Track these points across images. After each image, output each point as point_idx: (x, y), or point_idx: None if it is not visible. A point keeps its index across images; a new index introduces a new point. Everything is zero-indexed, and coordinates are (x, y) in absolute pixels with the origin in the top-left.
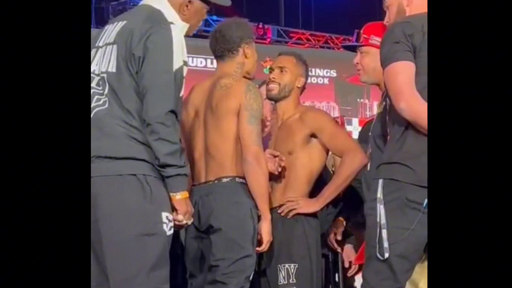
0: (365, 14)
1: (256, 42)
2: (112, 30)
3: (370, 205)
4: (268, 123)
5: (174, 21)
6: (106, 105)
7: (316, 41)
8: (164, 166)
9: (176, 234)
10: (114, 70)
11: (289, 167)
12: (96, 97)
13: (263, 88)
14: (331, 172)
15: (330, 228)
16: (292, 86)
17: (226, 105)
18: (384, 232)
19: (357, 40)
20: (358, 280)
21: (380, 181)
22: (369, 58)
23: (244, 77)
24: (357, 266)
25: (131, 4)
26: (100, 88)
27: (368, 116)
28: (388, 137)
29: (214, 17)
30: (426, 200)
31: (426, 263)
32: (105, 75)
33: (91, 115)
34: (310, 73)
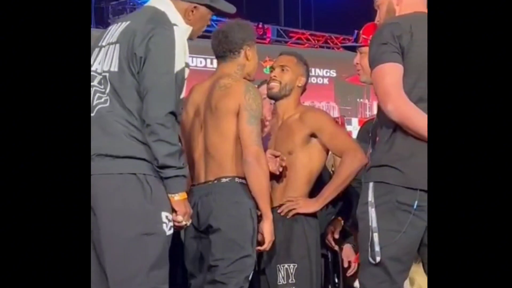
0: (365, 14)
1: (255, 42)
2: (115, 30)
3: (362, 209)
4: (267, 123)
5: (178, 23)
6: (108, 104)
7: (316, 41)
8: (163, 167)
9: (176, 234)
10: (116, 70)
11: (289, 167)
12: (98, 95)
13: (263, 87)
14: (331, 172)
15: (328, 227)
16: (293, 85)
17: (226, 105)
18: (376, 236)
19: (357, 40)
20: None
21: (371, 184)
22: None
23: (245, 78)
24: (356, 266)
25: (131, 4)
26: (102, 87)
27: (368, 116)
28: (377, 139)
29: (214, 17)
30: (416, 202)
31: (421, 263)
32: (107, 74)
33: (93, 113)
34: (309, 73)
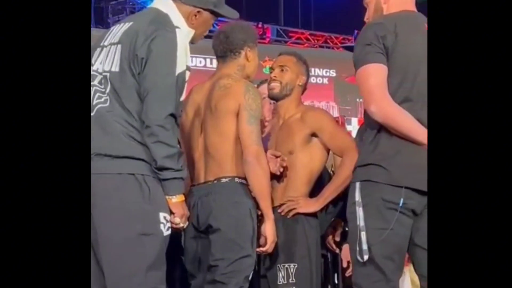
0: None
1: (257, 44)
2: (118, 30)
3: (350, 209)
4: (266, 124)
5: (180, 25)
6: (108, 104)
7: (316, 41)
8: (161, 169)
9: (175, 235)
10: (117, 70)
11: (290, 166)
12: (98, 94)
13: (263, 87)
14: (331, 172)
15: (329, 229)
16: (293, 85)
17: (226, 106)
18: (363, 235)
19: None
20: None
21: (357, 184)
22: None
23: (244, 79)
24: None
25: (130, 3)
26: (102, 86)
27: None
28: (363, 139)
29: None
30: (402, 200)
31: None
32: (108, 74)
33: (93, 113)
34: (309, 73)
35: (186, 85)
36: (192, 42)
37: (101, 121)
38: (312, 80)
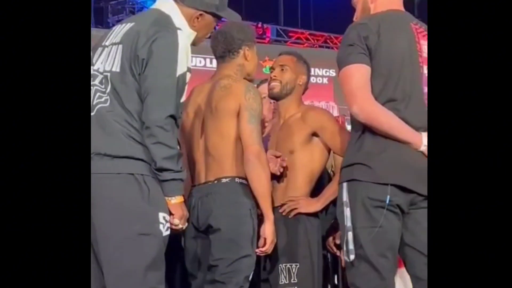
0: None
1: (255, 43)
2: (119, 30)
3: (339, 210)
4: (267, 123)
5: (182, 27)
6: (108, 103)
7: (315, 41)
8: (161, 170)
9: (175, 235)
10: (118, 70)
11: (290, 166)
12: (98, 94)
13: (263, 87)
14: (331, 172)
15: (329, 230)
16: (294, 84)
17: (226, 106)
18: (350, 235)
19: None
20: None
21: (344, 184)
22: None
23: (244, 79)
24: None
25: (130, 3)
26: (103, 86)
27: None
28: (348, 141)
29: None
30: (388, 197)
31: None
32: (108, 74)
33: (94, 112)
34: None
35: (187, 86)
36: (193, 44)
37: (101, 121)
38: (312, 80)
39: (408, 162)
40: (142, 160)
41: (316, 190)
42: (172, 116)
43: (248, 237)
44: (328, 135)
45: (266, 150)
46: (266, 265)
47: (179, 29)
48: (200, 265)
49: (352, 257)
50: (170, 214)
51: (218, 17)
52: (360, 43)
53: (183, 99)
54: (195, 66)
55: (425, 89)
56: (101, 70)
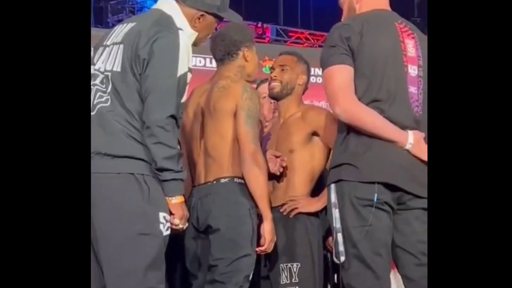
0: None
1: (254, 43)
2: (121, 30)
3: (329, 212)
4: (267, 123)
5: (183, 27)
6: (109, 103)
7: (315, 41)
8: (161, 170)
9: (176, 234)
10: (119, 70)
11: (291, 165)
12: (99, 93)
13: (263, 86)
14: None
15: (329, 231)
16: (294, 84)
17: (224, 106)
18: (340, 236)
19: None
20: None
21: (332, 185)
22: None
23: (246, 80)
24: None
25: (130, 3)
26: (104, 86)
27: None
28: (335, 142)
29: None
30: (376, 195)
31: None
32: (109, 73)
33: (94, 112)
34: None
35: (187, 86)
36: (194, 44)
37: (102, 121)
38: (312, 79)
39: (394, 160)
40: (142, 160)
41: (316, 190)
42: (172, 116)
43: (248, 237)
44: (328, 134)
45: (266, 149)
46: (267, 264)
47: (181, 29)
48: (200, 265)
49: (342, 258)
50: (171, 214)
51: (219, 18)
52: (342, 44)
53: (184, 99)
54: (195, 66)
55: (411, 88)
56: (102, 69)
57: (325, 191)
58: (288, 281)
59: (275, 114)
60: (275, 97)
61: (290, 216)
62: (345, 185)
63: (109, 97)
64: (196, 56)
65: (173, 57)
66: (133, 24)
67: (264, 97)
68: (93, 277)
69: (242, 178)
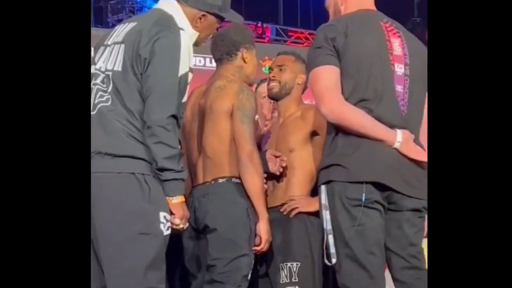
0: None
1: (253, 45)
2: (122, 29)
3: (320, 213)
4: (267, 123)
5: (184, 27)
6: (109, 103)
7: None
8: (162, 169)
9: (176, 234)
10: (119, 69)
11: (290, 165)
12: (100, 93)
13: (263, 86)
14: None
15: None
16: (293, 84)
17: (220, 106)
18: (331, 238)
19: None
20: None
21: (322, 187)
22: None
23: (244, 82)
24: None
25: (130, 2)
26: (104, 85)
27: None
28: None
29: None
30: (364, 195)
31: None
32: (110, 73)
33: (95, 111)
34: None
35: (188, 86)
36: (196, 44)
37: (103, 120)
38: None
39: (382, 159)
40: (143, 159)
41: (316, 189)
42: (173, 116)
43: (245, 237)
44: None
45: (266, 149)
46: (266, 264)
47: (182, 29)
48: (199, 265)
49: (333, 260)
50: (171, 213)
51: (220, 18)
52: (328, 45)
53: (184, 99)
54: (195, 65)
55: (397, 87)
56: (103, 69)
57: None
58: (288, 281)
59: (274, 114)
60: (274, 97)
61: (290, 216)
62: (335, 186)
63: (110, 96)
64: (196, 56)
65: (174, 57)
66: (134, 23)
67: (264, 97)
68: (93, 277)
69: (240, 177)
